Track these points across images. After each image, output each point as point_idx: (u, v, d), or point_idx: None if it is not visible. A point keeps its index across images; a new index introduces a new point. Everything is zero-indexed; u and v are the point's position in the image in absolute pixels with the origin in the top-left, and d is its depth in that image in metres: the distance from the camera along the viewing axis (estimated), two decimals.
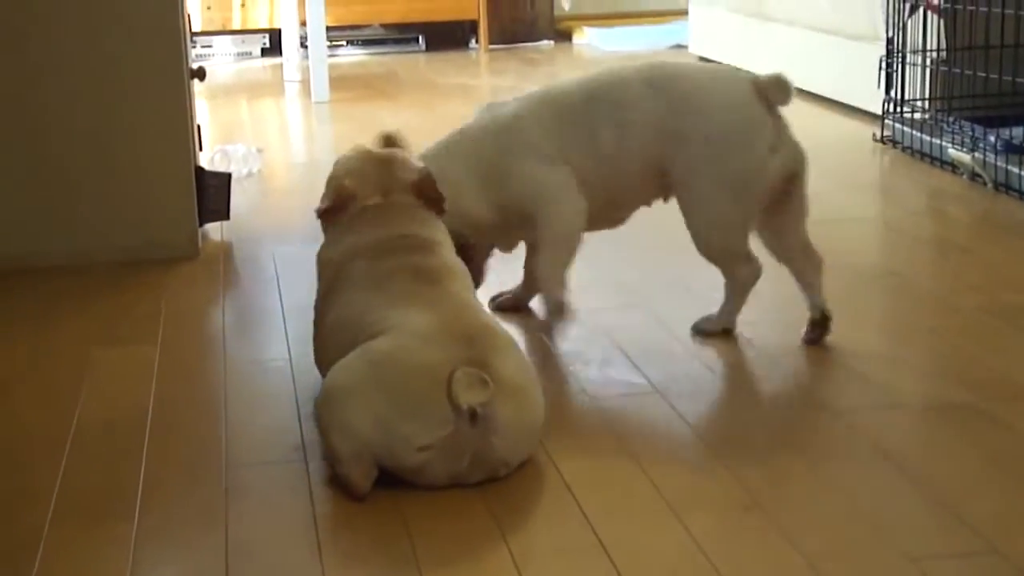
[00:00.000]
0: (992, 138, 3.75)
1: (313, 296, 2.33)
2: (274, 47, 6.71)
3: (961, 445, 2.12)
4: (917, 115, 4.22)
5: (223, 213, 3.38)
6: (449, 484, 1.97)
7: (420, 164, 2.38)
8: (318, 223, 2.35)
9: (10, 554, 1.83)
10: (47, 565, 1.80)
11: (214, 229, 3.45)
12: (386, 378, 1.98)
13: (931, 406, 2.28)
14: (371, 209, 2.28)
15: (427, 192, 2.31)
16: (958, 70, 4.08)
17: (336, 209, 2.29)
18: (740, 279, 2.56)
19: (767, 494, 1.94)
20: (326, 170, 2.38)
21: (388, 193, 2.29)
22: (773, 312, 2.72)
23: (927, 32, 4.18)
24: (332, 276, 2.26)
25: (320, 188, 2.36)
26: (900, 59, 4.26)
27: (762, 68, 2.44)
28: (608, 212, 2.62)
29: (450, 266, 2.25)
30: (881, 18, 4.41)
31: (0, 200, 3.14)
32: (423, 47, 7.05)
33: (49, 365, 2.55)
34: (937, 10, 4.15)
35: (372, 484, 1.97)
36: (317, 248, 2.34)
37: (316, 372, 2.46)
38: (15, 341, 2.70)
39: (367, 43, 7.08)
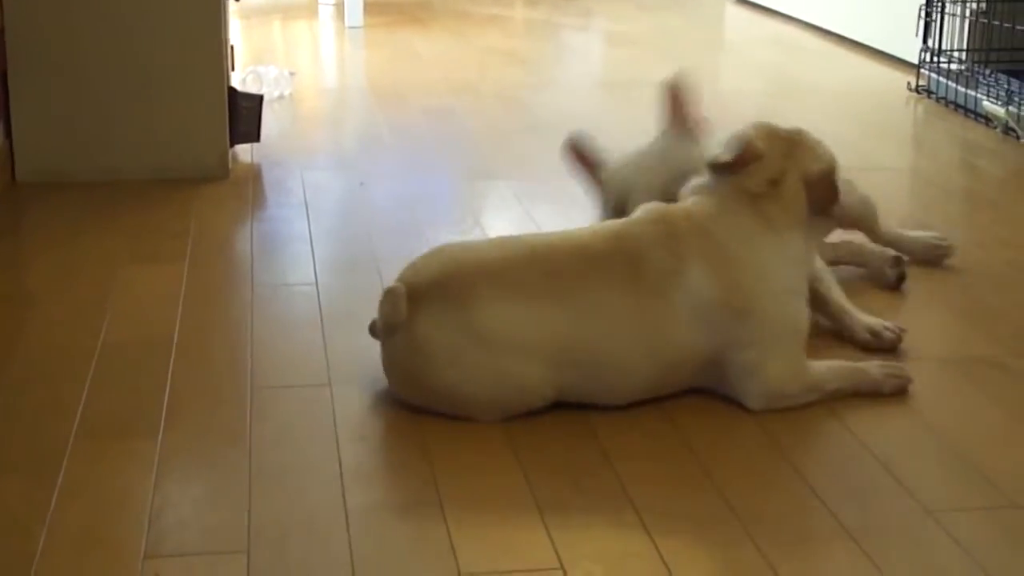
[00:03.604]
0: None
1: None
2: None
3: (983, 399, 2.12)
4: (954, 66, 4.19)
5: (254, 135, 3.38)
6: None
7: (828, 154, 2.19)
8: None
9: (36, 465, 1.85)
10: (71, 477, 1.82)
11: (244, 151, 3.45)
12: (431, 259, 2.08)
13: (955, 359, 2.28)
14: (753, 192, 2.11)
15: (818, 189, 2.15)
16: (997, 22, 4.04)
17: (737, 164, 2.10)
18: None
19: (789, 442, 1.95)
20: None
21: (783, 174, 2.12)
22: None
23: None
24: None
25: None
26: (940, 8, 4.21)
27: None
28: None
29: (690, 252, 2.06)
30: None
31: (34, 116, 3.15)
32: None
33: (78, 281, 2.56)
34: None
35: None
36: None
37: (342, 297, 2.47)
38: (45, 256, 2.71)
39: None
